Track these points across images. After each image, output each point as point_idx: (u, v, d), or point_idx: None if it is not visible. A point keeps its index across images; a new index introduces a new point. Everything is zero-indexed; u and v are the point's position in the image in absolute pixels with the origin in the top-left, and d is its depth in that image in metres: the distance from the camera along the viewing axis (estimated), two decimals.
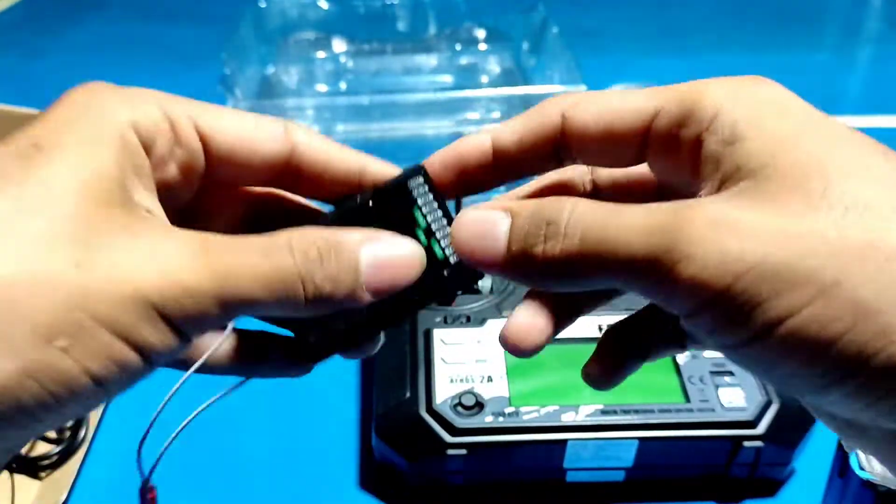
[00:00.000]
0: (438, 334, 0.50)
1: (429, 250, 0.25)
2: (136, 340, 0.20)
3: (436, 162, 0.26)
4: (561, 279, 0.22)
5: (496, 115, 0.87)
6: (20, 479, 0.49)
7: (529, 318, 0.25)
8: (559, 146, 0.25)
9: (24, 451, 0.50)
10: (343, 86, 0.99)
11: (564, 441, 0.45)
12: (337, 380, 0.58)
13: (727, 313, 0.19)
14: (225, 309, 0.21)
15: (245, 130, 0.25)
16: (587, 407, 0.46)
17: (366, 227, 0.24)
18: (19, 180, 0.20)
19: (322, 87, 0.99)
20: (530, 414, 0.46)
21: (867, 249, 0.17)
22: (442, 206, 0.25)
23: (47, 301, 0.19)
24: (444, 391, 0.47)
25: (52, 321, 0.18)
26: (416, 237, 0.25)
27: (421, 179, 0.25)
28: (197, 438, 0.53)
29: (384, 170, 0.27)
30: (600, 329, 0.49)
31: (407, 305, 0.26)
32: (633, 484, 0.49)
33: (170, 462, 0.55)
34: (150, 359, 0.20)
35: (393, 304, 0.24)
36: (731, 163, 0.20)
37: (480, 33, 1.05)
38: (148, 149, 0.23)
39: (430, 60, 1.02)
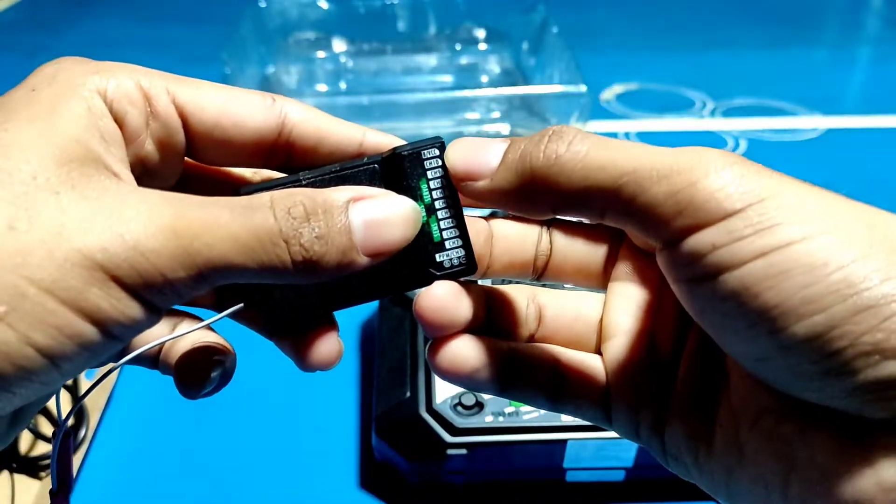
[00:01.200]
0: None
1: (425, 227, 0.24)
2: (86, 308, 0.18)
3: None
4: (559, 188, 0.21)
5: (496, 114, 0.87)
6: (20, 479, 0.49)
7: (450, 293, 0.24)
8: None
9: (23, 451, 0.50)
10: (343, 86, 0.99)
11: (564, 441, 0.45)
12: (337, 380, 0.58)
13: (736, 231, 0.19)
14: (194, 273, 0.19)
15: (229, 104, 0.23)
16: None
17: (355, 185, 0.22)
18: None
19: (322, 87, 0.99)
20: (530, 413, 0.46)
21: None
22: (449, 187, 0.24)
23: None
24: (443, 391, 0.47)
25: None
26: None
27: (437, 153, 0.24)
28: (197, 438, 0.53)
29: (385, 140, 0.25)
30: None
31: (383, 282, 0.24)
32: (633, 484, 0.49)
33: (170, 461, 0.55)
34: (109, 331, 0.18)
35: (370, 276, 0.22)
36: None
37: (480, 33, 1.05)
38: (119, 120, 0.21)
39: (430, 60, 1.02)
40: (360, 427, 0.54)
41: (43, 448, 0.50)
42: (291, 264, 0.20)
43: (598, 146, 0.21)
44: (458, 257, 0.24)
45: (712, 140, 0.93)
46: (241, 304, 0.23)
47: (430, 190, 0.24)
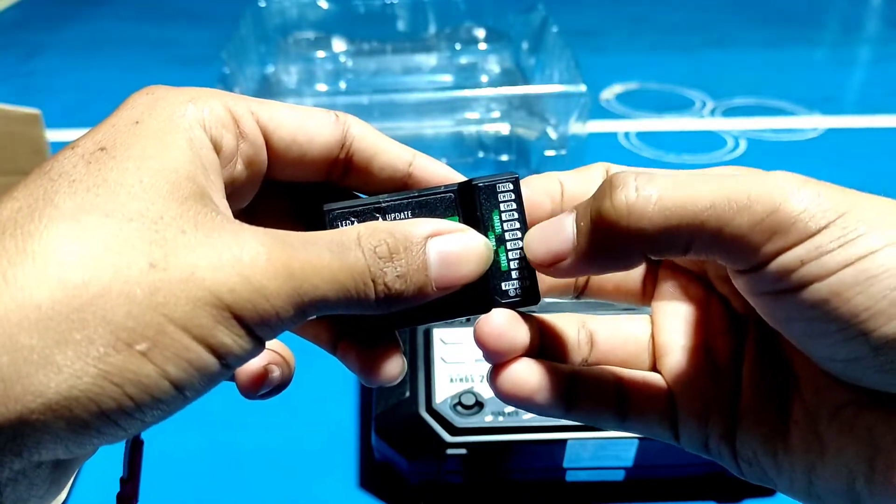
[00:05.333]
0: (438, 334, 0.50)
1: (494, 257, 0.24)
2: (212, 344, 0.19)
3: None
4: (643, 234, 0.21)
5: (496, 114, 0.87)
6: None
7: (508, 320, 0.24)
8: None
9: None
10: (343, 85, 0.99)
11: (564, 441, 0.45)
12: (337, 379, 0.58)
13: (823, 246, 0.20)
14: (298, 311, 0.20)
15: (303, 121, 0.24)
16: None
17: (430, 217, 0.23)
18: (88, 185, 0.19)
19: (322, 87, 0.99)
20: (530, 413, 0.45)
21: None
22: (521, 220, 0.25)
23: (126, 304, 0.18)
24: (443, 391, 0.47)
25: (133, 325, 0.18)
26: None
27: (511, 186, 0.25)
28: (197, 438, 0.53)
29: (432, 165, 0.26)
30: None
31: (449, 306, 0.24)
32: (633, 484, 0.49)
33: (170, 461, 0.55)
34: (226, 363, 0.20)
35: (437, 301, 0.23)
36: None
37: (480, 33, 1.05)
38: (217, 145, 0.22)
39: (430, 60, 1.02)
40: (360, 427, 0.54)
41: None
42: (375, 300, 0.21)
43: (666, 186, 0.21)
44: (524, 287, 0.25)
45: (712, 140, 0.93)
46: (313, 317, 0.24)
47: (502, 222, 0.25)
